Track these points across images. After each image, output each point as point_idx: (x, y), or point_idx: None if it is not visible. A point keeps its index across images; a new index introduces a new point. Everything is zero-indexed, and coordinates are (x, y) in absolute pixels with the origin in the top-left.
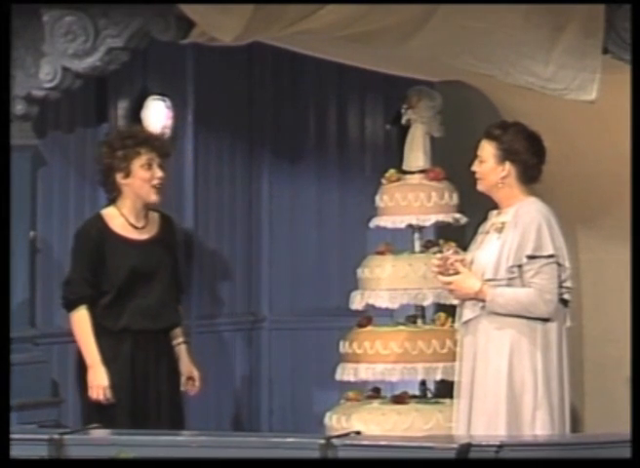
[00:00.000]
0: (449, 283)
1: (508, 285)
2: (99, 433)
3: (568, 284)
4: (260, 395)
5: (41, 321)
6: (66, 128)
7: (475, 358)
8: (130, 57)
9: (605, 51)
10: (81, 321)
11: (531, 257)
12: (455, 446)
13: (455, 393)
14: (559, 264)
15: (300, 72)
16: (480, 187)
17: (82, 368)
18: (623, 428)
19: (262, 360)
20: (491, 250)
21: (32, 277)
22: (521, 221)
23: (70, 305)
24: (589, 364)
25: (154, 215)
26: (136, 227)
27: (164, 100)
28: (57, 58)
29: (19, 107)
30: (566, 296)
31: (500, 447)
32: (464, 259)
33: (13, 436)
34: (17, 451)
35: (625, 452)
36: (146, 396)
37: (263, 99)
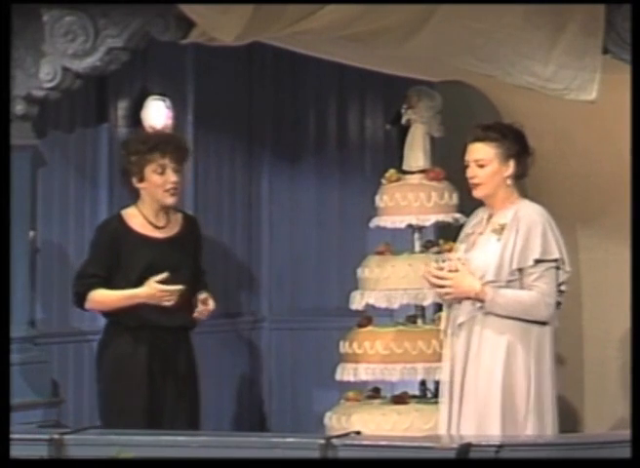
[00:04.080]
0: (444, 279)
1: (506, 287)
2: (99, 433)
3: (564, 287)
4: (260, 395)
5: (41, 321)
6: (66, 128)
7: (466, 359)
8: (130, 57)
9: (605, 51)
10: (102, 294)
11: (538, 261)
12: (455, 446)
13: (440, 394)
14: (558, 268)
15: (300, 72)
16: (480, 193)
17: (99, 366)
18: (623, 428)
19: (262, 360)
20: (490, 251)
21: (32, 277)
22: (523, 224)
23: (80, 298)
24: (589, 364)
25: (177, 216)
26: (156, 226)
27: (164, 100)
28: (57, 58)
29: (19, 107)
30: (559, 299)
31: (500, 447)
32: (466, 260)
33: (13, 436)
34: (17, 451)
35: (625, 452)
36: (163, 393)
37: (263, 99)
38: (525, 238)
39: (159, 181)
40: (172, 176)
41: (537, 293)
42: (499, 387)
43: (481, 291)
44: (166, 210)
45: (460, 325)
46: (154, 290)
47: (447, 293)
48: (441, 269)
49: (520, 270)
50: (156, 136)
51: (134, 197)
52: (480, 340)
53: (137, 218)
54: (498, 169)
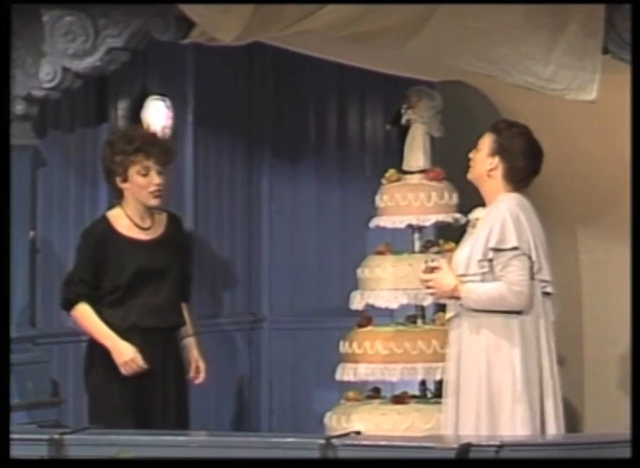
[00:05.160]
0: (428, 280)
1: (482, 280)
2: (99, 433)
3: (544, 277)
4: (260, 395)
5: (41, 321)
6: (66, 128)
7: (460, 355)
8: (130, 57)
9: (605, 51)
10: (85, 313)
11: (495, 250)
12: (455, 446)
13: (444, 392)
14: (529, 257)
15: (300, 72)
16: (469, 175)
17: (88, 366)
18: (623, 428)
19: (262, 360)
20: (465, 246)
21: (32, 277)
22: (490, 217)
23: (69, 304)
24: (589, 364)
25: (162, 216)
26: (141, 228)
27: (164, 100)
28: (57, 58)
29: (19, 107)
30: (548, 289)
31: (501, 447)
32: (451, 257)
33: (13, 436)
34: (17, 451)
35: (625, 452)
36: (152, 394)
37: (263, 99)
38: (488, 229)
39: (143, 183)
40: (155, 179)
41: (504, 284)
42: (483, 382)
43: (455, 288)
44: (150, 210)
45: (450, 320)
46: (130, 355)
47: (432, 294)
48: (430, 269)
49: (490, 262)
50: (142, 136)
51: (118, 196)
52: (469, 336)
53: (122, 221)
54: (484, 158)
